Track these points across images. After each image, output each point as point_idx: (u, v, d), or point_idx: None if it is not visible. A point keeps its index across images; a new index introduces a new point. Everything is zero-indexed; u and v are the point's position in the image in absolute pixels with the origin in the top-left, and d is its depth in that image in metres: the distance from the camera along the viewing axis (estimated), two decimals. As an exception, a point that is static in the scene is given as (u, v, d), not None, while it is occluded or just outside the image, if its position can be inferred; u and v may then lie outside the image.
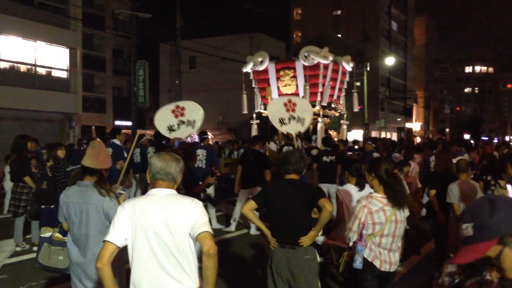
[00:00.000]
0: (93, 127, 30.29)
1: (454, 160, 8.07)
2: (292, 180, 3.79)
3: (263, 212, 3.99)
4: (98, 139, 9.41)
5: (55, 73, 22.89)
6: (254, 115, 13.53)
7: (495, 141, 56.09)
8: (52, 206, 6.91)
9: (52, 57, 22.43)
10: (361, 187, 4.65)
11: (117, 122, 32.91)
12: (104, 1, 32.18)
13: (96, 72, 32.30)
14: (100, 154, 3.69)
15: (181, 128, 7.42)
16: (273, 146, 13.01)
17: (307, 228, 3.65)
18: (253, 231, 8.29)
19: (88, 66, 29.46)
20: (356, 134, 33.25)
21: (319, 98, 12.47)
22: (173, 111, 7.71)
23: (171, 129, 7.66)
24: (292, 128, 8.05)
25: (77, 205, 3.60)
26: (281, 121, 8.25)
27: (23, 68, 21.93)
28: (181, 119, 7.60)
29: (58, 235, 3.97)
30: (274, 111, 8.29)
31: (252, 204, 3.71)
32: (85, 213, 3.57)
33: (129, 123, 24.37)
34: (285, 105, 8.25)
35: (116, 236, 2.68)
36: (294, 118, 8.09)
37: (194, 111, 7.71)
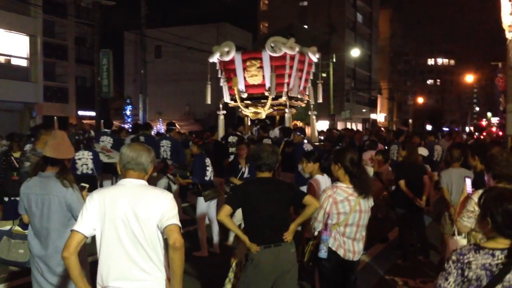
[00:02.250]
0: (55, 117, 29.50)
1: (422, 150, 8.32)
2: (269, 178, 3.66)
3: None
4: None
5: (14, 61, 22.14)
6: (221, 106, 13.47)
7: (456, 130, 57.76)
8: (17, 198, 6.70)
9: (11, 45, 21.67)
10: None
11: (80, 112, 32.19)
12: (66, -13, 31.24)
13: (57, 61, 31.38)
14: (62, 144, 3.59)
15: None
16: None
17: (288, 223, 3.62)
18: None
19: (49, 54, 28.60)
20: (322, 125, 33.60)
21: (285, 89, 12.49)
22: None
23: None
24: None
25: (39, 196, 3.50)
26: None
27: (-20, 56, 21.14)
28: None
29: (18, 228, 3.86)
30: None
31: (227, 209, 3.52)
32: (46, 204, 3.48)
33: (93, 113, 23.89)
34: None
35: (84, 226, 2.66)
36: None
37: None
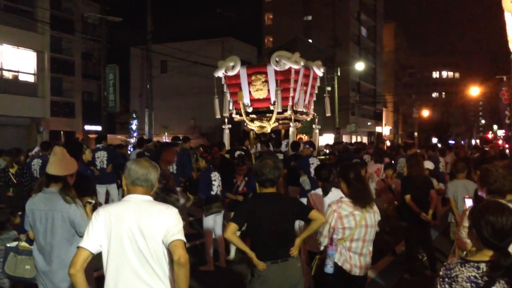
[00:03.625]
0: (62, 132, 29.71)
1: (428, 164, 8.35)
2: (273, 194, 3.63)
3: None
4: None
5: (22, 77, 22.35)
6: (226, 120, 13.50)
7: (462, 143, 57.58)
8: (19, 213, 6.74)
9: (19, 61, 21.91)
10: (325, 192, 4.70)
11: (87, 127, 32.39)
12: (73, 4, 31.65)
13: (64, 76, 31.71)
14: (63, 160, 3.62)
15: None
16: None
17: (293, 238, 3.61)
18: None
19: (57, 70, 28.92)
20: (327, 139, 33.59)
21: (290, 103, 12.53)
22: None
23: None
24: None
25: (43, 212, 3.52)
26: None
27: (-12, 72, 21.36)
28: None
29: (24, 244, 3.87)
30: None
31: (234, 227, 3.47)
32: (50, 220, 3.50)
33: (99, 128, 24.00)
34: None
35: (91, 242, 2.68)
36: None
37: None
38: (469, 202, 3.88)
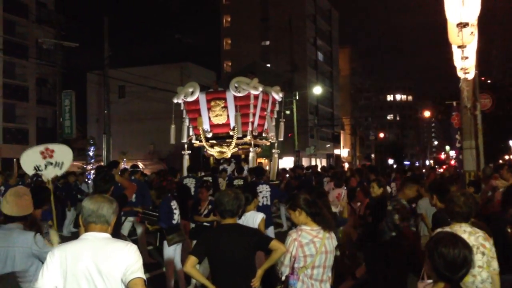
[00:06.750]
0: (14, 160, 28.70)
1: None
2: (232, 225, 3.62)
3: None
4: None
5: (-28, 104, 21.64)
6: (186, 146, 13.44)
7: (416, 164, 59.25)
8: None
9: (-31, 87, 21.23)
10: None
11: (41, 154, 31.43)
12: (27, 29, 31.02)
13: (18, 102, 30.87)
14: (22, 200, 3.52)
15: (48, 168, 7.40)
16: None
17: (255, 269, 3.59)
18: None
19: (9, 95, 28.18)
20: (287, 161, 33.86)
21: (250, 128, 12.62)
22: (41, 153, 7.67)
23: (37, 169, 7.56)
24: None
25: (1, 249, 3.39)
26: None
27: None
28: (49, 160, 7.56)
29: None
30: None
31: (193, 260, 3.44)
32: (11, 257, 3.37)
33: (54, 155, 23.33)
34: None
35: (45, 283, 2.58)
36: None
37: (64, 154, 7.71)
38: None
